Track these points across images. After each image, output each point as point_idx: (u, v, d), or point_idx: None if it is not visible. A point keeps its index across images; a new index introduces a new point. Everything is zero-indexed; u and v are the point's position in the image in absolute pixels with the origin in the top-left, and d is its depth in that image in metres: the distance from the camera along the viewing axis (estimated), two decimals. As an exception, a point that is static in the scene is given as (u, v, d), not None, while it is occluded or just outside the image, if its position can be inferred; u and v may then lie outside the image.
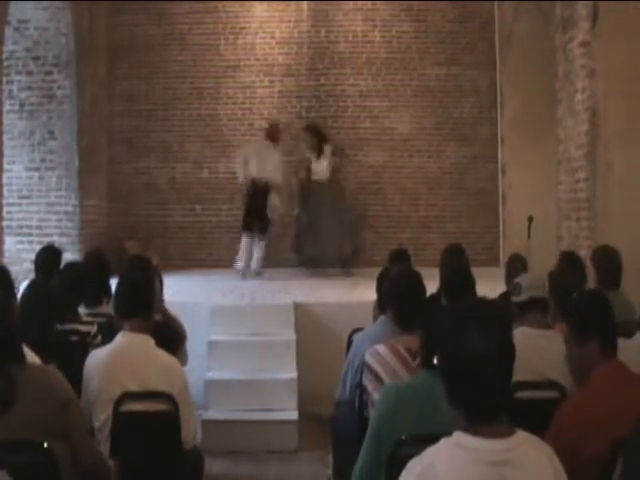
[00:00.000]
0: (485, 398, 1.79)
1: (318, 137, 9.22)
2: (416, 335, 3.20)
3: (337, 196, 9.41)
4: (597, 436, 2.53)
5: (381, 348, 3.22)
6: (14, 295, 3.88)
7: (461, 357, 1.79)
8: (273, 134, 9.04)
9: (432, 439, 1.89)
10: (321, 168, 9.11)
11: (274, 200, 8.80)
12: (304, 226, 9.18)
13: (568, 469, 1.90)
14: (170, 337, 3.92)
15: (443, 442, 1.84)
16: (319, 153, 9.14)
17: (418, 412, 2.55)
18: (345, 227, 9.22)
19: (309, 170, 9.21)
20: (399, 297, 3.46)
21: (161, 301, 4.44)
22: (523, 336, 3.20)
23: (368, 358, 3.22)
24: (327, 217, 8.95)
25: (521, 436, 1.82)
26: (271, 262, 10.02)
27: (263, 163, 8.71)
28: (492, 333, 1.80)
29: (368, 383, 3.18)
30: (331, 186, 9.24)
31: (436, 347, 1.91)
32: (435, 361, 1.94)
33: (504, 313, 3.45)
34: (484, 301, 2.04)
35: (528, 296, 3.65)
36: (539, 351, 3.39)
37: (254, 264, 8.90)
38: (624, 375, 2.77)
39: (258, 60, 10.37)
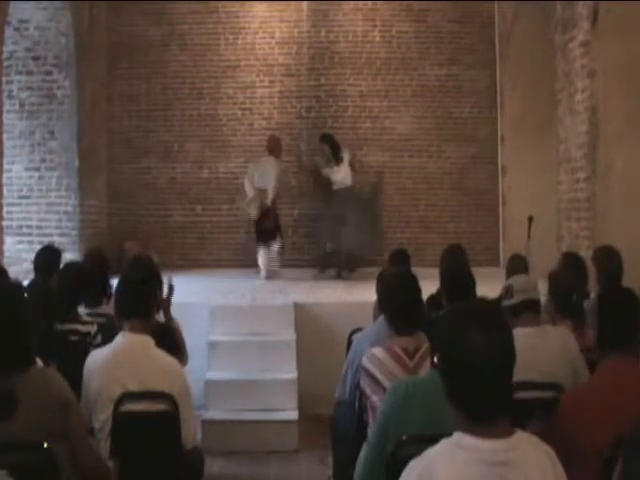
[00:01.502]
0: (486, 400, 1.79)
1: (334, 146, 9.15)
2: (413, 336, 3.20)
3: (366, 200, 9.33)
4: (595, 428, 2.54)
5: (378, 351, 3.21)
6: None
7: (462, 359, 1.79)
8: (272, 147, 9.06)
9: (433, 439, 1.89)
10: (342, 175, 8.99)
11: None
12: (327, 230, 9.05)
13: (567, 457, 1.91)
14: (170, 343, 3.91)
15: (443, 443, 1.83)
16: (338, 161, 9.06)
17: (426, 410, 2.55)
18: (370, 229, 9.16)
19: (329, 181, 9.11)
20: (392, 302, 3.40)
21: (167, 308, 4.47)
22: (519, 337, 3.20)
23: (365, 362, 3.21)
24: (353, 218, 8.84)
25: (521, 436, 1.82)
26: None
27: (262, 176, 8.80)
28: (493, 335, 1.80)
29: (366, 387, 3.17)
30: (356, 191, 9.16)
31: (437, 348, 1.91)
32: (435, 360, 1.94)
33: (504, 314, 3.47)
34: (486, 302, 2.04)
35: (521, 299, 3.66)
36: (534, 349, 3.42)
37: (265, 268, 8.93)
38: (629, 371, 2.77)
39: (258, 60, 10.37)
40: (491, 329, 1.81)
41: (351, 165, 9.13)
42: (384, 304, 3.55)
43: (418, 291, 3.47)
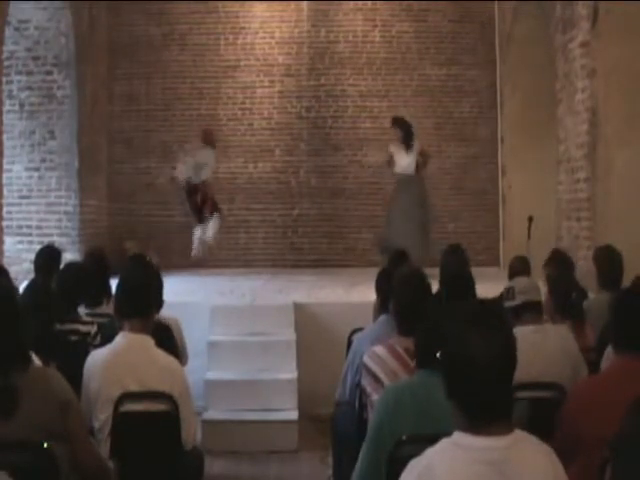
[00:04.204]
0: (486, 402, 1.80)
1: (406, 131, 8.59)
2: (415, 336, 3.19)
3: (424, 193, 8.77)
4: (599, 424, 2.55)
5: (379, 349, 3.21)
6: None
7: (463, 360, 1.80)
8: (208, 138, 9.25)
9: (432, 439, 1.89)
10: (408, 163, 8.51)
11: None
12: (392, 219, 8.60)
13: (574, 448, 1.91)
14: (168, 340, 3.93)
15: (442, 442, 1.84)
16: (407, 147, 8.51)
17: (417, 412, 2.56)
18: (427, 226, 8.70)
19: (392, 163, 8.61)
20: (401, 301, 3.37)
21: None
22: (519, 335, 3.21)
23: (366, 360, 3.21)
24: (415, 212, 8.44)
25: (519, 435, 1.83)
26: (271, 262, 10.06)
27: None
28: (496, 338, 1.81)
29: (367, 385, 3.17)
30: (419, 182, 8.66)
31: (439, 348, 1.91)
32: (438, 356, 1.94)
33: (507, 316, 3.47)
34: (487, 303, 2.05)
35: (522, 300, 3.66)
36: (534, 346, 3.42)
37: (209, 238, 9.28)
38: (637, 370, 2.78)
39: (258, 60, 10.37)
40: (493, 332, 1.82)
41: (422, 155, 8.58)
42: (392, 302, 3.51)
43: (428, 293, 3.44)
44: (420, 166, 8.58)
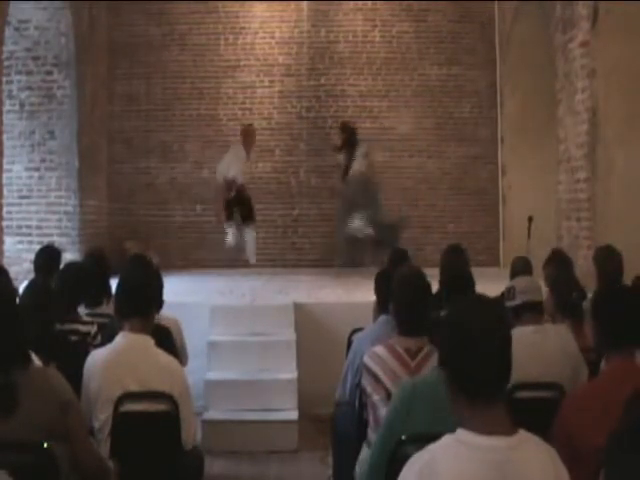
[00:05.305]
0: (485, 374, 1.82)
1: (347, 137, 9.08)
2: (415, 337, 3.19)
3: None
4: (595, 429, 2.54)
5: (379, 349, 3.20)
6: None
7: (462, 334, 1.84)
8: (245, 137, 9.11)
9: (433, 439, 1.89)
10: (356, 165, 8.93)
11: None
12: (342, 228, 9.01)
13: (569, 457, 1.91)
14: (168, 342, 3.93)
15: (445, 438, 1.84)
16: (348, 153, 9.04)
17: (433, 409, 2.54)
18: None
19: (345, 169, 9.01)
20: (401, 301, 3.35)
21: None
22: (519, 335, 3.21)
23: (366, 360, 3.21)
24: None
25: (523, 435, 1.83)
26: (271, 262, 10.06)
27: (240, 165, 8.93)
28: (491, 316, 1.87)
29: (367, 385, 3.17)
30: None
31: (440, 332, 1.96)
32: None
33: (502, 302, 3.51)
34: (483, 294, 2.12)
35: (523, 300, 3.66)
36: (534, 346, 3.42)
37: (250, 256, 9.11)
38: (634, 371, 2.77)
39: (258, 60, 10.37)
40: (489, 312, 1.88)
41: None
42: (392, 302, 3.50)
43: (428, 293, 3.44)
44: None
